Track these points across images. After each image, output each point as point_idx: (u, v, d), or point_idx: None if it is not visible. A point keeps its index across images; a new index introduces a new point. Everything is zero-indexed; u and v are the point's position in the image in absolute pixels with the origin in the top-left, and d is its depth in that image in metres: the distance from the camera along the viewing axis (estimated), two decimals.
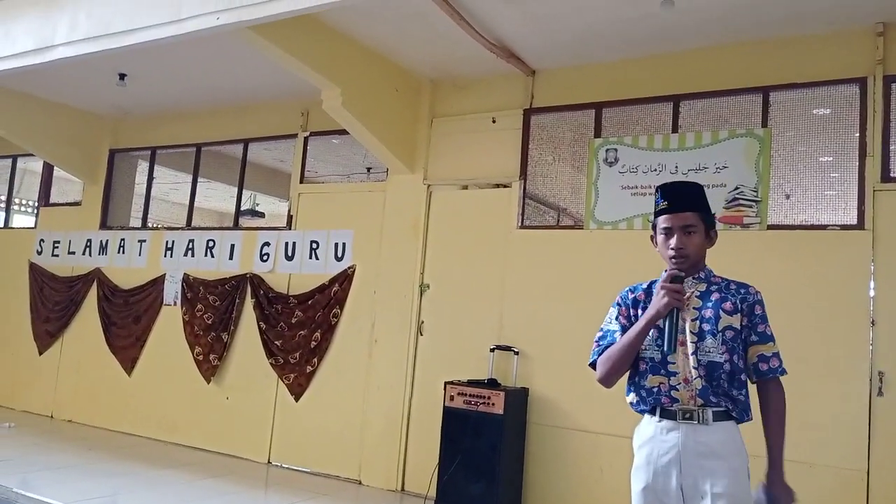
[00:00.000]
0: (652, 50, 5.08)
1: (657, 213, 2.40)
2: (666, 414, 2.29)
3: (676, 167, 4.93)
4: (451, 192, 5.93)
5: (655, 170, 5.00)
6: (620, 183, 5.13)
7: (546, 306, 5.27)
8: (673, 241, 2.32)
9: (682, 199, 2.36)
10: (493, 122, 5.73)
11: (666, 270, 2.40)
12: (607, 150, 5.22)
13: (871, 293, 4.28)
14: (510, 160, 5.61)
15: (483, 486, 4.88)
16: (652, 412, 2.33)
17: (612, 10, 4.56)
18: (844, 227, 4.41)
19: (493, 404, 4.96)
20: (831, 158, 4.62)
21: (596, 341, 2.48)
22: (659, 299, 2.26)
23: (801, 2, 4.28)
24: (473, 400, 5.03)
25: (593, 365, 2.47)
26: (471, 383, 5.17)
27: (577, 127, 5.46)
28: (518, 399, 5.14)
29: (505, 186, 5.64)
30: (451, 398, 5.12)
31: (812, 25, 4.55)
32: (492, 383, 5.16)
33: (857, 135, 4.46)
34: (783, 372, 2.32)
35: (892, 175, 4.34)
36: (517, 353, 5.30)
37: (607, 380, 2.42)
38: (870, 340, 4.23)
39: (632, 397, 2.40)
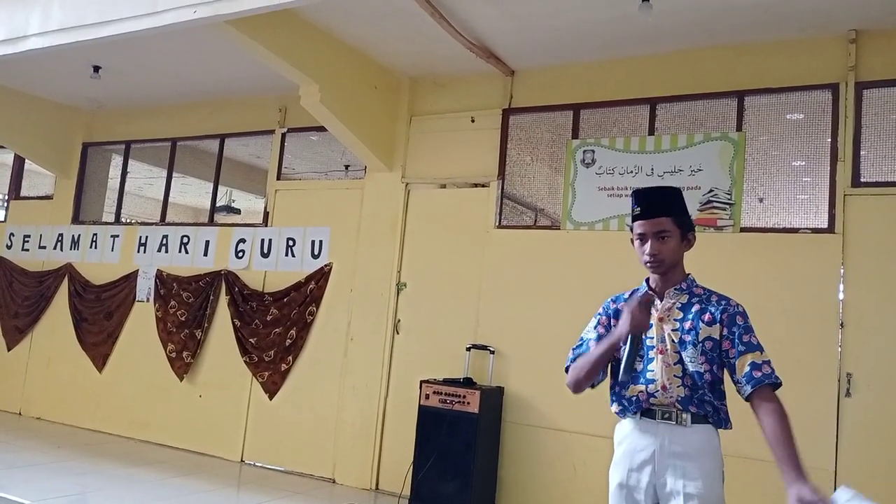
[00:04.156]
0: (629, 52, 5.12)
1: (633, 219, 2.41)
2: (646, 413, 2.31)
3: (652, 169, 4.98)
4: (428, 190, 5.93)
5: (632, 171, 5.05)
6: (597, 184, 5.17)
7: (522, 306, 5.29)
8: (647, 248, 2.33)
9: (654, 204, 2.37)
10: (472, 121, 5.74)
11: (646, 281, 2.44)
12: (584, 152, 5.25)
13: (841, 296, 4.35)
14: (488, 160, 5.63)
15: (457, 485, 4.88)
16: (633, 413, 2.35)
17: (590, 13, 4.59)
18: (815, 231, 4.48)
19: (468, 403, 4.96)
20: (804, 163, 4.69)
21: (573, 349, 2.53)
22: (624, 320, 2.29)
23: (775, 8, 4.34)
24: (449, 399, 5.03)
25: (567, 370, 2.52)
26: (446, 382, 5.17)
27: (555, 128, 5.49)
28: (493, 398, 5.15)
29: (483, 186, 5.65)
30: (427, 397, 5.12)
31: (786, 31, 4.62)
32: (467, 382, 5.17)
33: (829, 140, 4.53)
34: (777, 379, 2.24)
35: (862, 180, 4.42)
36: (493, 353, 5.32)
37: (574, 386, 2.46)
38: (839, 342, 4.31)
39: (615, 407, 2.43)
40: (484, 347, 5.35)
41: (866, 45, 4.50)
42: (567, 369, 2.51)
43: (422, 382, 5.19)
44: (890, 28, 4.44)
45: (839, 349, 4.30)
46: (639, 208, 2.37)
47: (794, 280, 4.46)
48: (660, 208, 2.35)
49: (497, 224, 5.52)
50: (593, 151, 5.22)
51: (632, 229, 2.43)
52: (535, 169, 5.61)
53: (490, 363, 5.32)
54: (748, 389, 2.22)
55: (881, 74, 4.44)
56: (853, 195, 4.41)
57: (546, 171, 5.57)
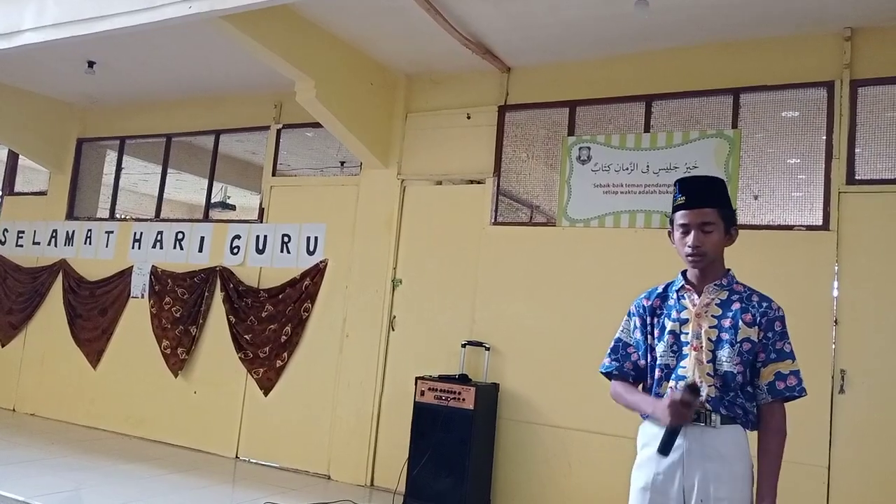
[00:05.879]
0: (626, 49, 5.12)
1: (675, 209, 2.30)
2: None
3: (648, 166, 4.98)
4: (424, 187, 5.92)
5: (627, 168, 5.05)
6: (593, 181, 5.17)
7: (518, 303, 5.29)
8: (690, 239, 2.24)
9: (700, 194, 2.26)
10: (468, 118, 5.73)
11: (682, 273, 2.34)
12: (580, 149, 5.26)
13: (835, 293, 4.37)
14: (484, 156, 5.63)
15: (452, 481, 4.89)
16: None
17: (586, 9, 4.58)
18: (810, 228, 4.50)
19: (463, 399, 4.97)
20: (798, 160, 4.71)
21: (610, 349, 2.45)
22: (664, 413, 2.13)
23: (771, 5, 4.35)
24: (444, 395, 5.03)
25: (607, 374, 2.45)
26: (442, 378, 5.17)
27: (550, 125, 5.49)
28: (489, 394, 5.16)
29: (478, 183, 5.65)
30: (422, 393, 5.12)
31: (782, 28, 4.63)
32: (463, 379, 5.17)
33: (824, 137, 4.54)
34: (802, 392, 2.22)
35: (857, 177, 4.44)
36: (488, 349, 5.32)
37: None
38: (832, 339, 4.33)
39: None
40: (479, 344, 5.35)
41: (862, 43, 4.51)
42: (605, 374, 2.45)
43: (417, 379, 5.19)
44: (885, 26, 4.45)
45: (833, 346, 4.32)
46: (683, 197, 2.27)
47: (788, 277, 4.47)
48: (705, 198, 2.25)
49: (493, 221, 5.52)
50: (589, 148, 5.23)
51: (671, 220, 2.34)
52: (530, 166, 5.61)
53: (485, 360, 5.33)
54: (768, 399, 2.22)
55: (876, 72, 4.45)
56: (848, 193, 4.43)
57: (542, 168, 5.57)
